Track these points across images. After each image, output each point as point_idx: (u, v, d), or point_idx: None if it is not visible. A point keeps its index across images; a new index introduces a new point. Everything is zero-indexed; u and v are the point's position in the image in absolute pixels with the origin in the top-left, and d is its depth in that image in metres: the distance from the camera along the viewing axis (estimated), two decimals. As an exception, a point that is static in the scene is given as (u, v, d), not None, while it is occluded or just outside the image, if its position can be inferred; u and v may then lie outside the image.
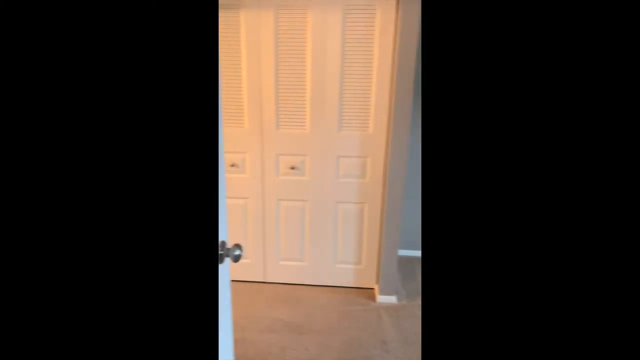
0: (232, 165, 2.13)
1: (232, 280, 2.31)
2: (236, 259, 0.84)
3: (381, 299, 2.11)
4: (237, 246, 0.85)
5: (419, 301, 2.13)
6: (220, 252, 0.82)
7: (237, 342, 1.76)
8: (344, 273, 2.23)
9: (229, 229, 2.22)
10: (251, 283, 2.28)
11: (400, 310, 2.04)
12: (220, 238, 0.84)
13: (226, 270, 0.89)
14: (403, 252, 2.67)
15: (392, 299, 2.10)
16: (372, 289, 2.23)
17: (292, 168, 2.10)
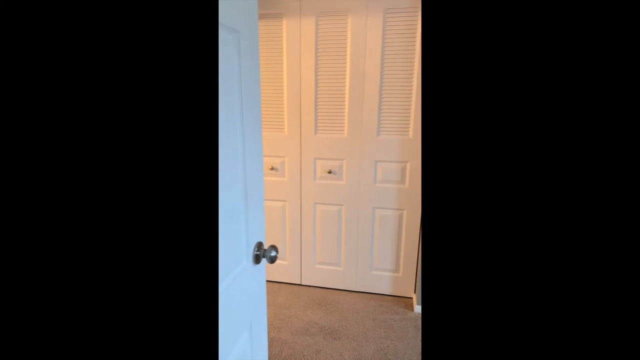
0: (272, 169, 2.19)
1: (269, 281, 2.36)
2: (272, 260, 0.86)
3: (419, 309, 2.03)
4: (273, 247, 0.87)
5: (460, 314, 2.02)
6: (256, 252, 0.85)
7: (272, 342, 1.79)
8: (381, 280, 2.18)
9: (268, 230, 2.28)
10: (287, 285, 2.32)
11: (439, 323, 1.95)
12: (258, 239, 0.87)
13: (262, 271, 0.91)
14: (444, 262, 2.55)
15: (430, 310, 2.02)
16: (410, 298, 2.16)
17: (330, 172, 2.11)
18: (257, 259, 0.85)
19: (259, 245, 0.86)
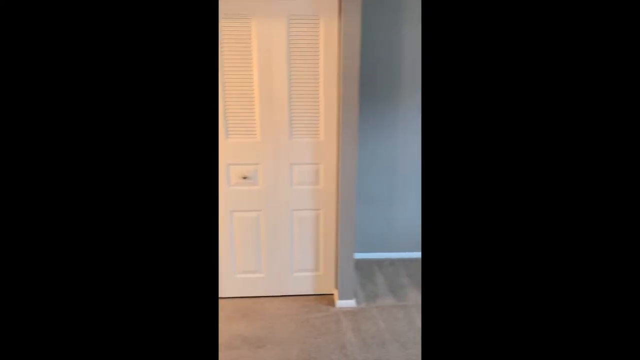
0: (181, 178, 2.04)
1: (187, 298, 2.20)
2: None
3: (340, 303, 2.12)
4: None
5: (378, 303, 2.16)
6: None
7: (191, 364, 1.67)
8: (303, 281, 2.21)
9: (181, 244, 2.12)
10: (207, 299, 2.19)
11: (359, 314, 2.06)
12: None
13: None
14: (361, 255, 2.71)
15: (351, 303, 2.12)
16: (332, 294, 2.24)
17: (245, 178, 2.06)
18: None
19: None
